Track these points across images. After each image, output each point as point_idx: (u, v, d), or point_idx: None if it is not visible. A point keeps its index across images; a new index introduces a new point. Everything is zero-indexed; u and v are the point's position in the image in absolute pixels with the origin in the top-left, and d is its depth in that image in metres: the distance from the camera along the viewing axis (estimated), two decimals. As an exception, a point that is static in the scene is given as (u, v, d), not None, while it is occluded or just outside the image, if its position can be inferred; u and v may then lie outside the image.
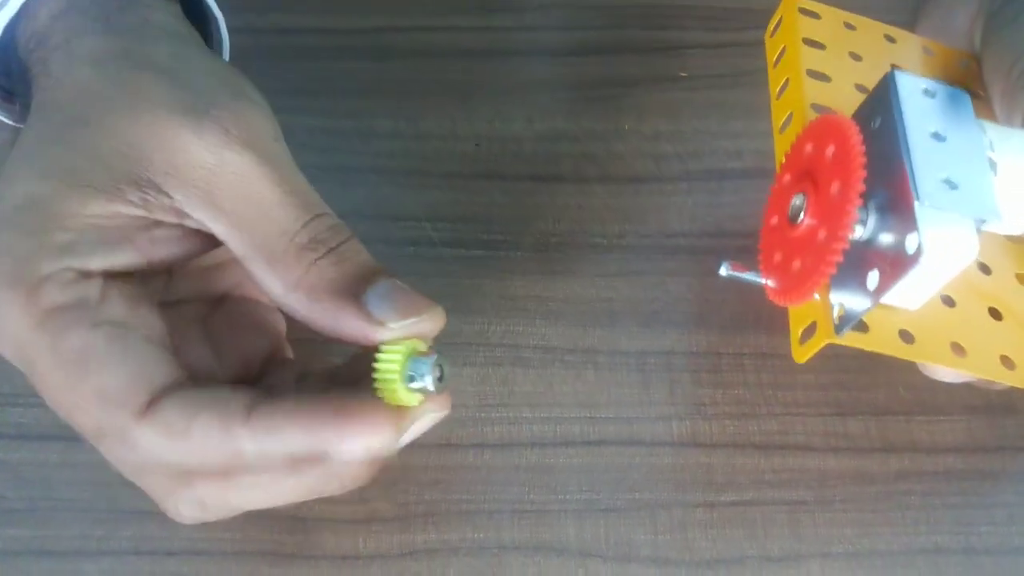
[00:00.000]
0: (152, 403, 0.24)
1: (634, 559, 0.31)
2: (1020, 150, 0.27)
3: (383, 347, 0.24)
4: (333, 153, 0.38)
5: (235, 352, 0.28)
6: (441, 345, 0.27)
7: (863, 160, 0.24)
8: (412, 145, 0.39)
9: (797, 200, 0.27)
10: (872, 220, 0.25)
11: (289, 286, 0.25)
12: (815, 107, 0.29)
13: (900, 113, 0.25)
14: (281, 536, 0.31)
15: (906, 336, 0.26)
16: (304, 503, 0.31)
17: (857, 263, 0.25)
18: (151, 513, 0.30)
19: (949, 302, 0.27)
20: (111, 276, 0.25)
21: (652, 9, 0.43)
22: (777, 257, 0.28)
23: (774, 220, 0.28)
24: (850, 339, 0.25)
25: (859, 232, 0.25)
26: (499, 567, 0.30)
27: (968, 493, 0.32)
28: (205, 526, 0.30)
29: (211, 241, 0.26)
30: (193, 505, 0.25)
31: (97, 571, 0.30)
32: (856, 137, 0.24)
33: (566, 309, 0.35)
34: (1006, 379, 0.27)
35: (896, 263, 0.24)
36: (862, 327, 0.26)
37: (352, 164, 0.38)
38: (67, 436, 0.32)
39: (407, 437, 0.25)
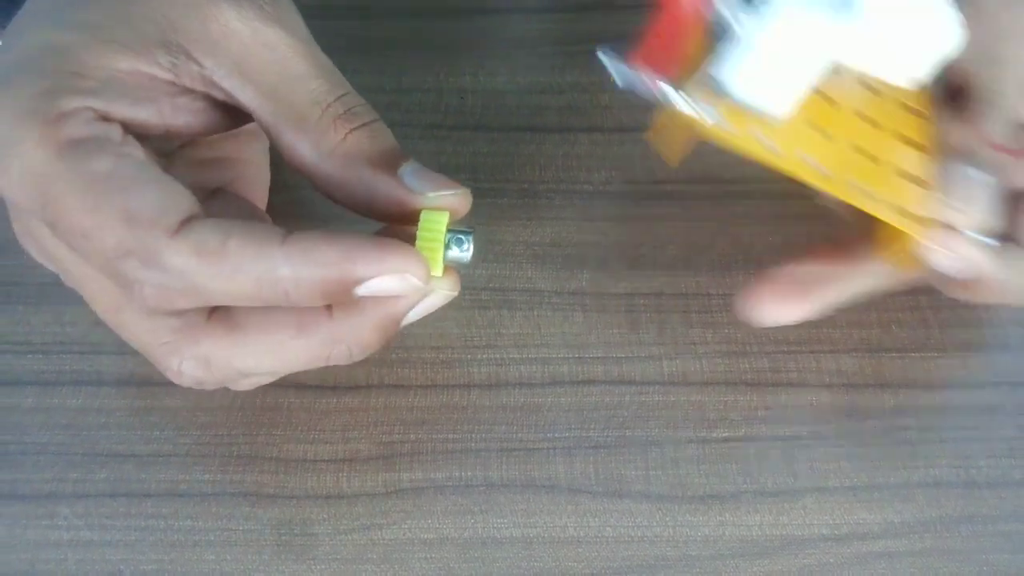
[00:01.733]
0: (184, 223, 0.23)
1: (625, 495, 0.30)
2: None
3: (425, 214, 0.24)
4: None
5: None
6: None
7: None
8: (396, 99, 0.38)
9: None
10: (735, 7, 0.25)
11: (324, 153, 0.25)
12: None
13: None
14: (261, 476, 0.30)
15: (772, 146, 0.26)
16: (283, 442, 0.30)
17: (722, 52, 0.26)
18: (127, 455, 0.30)
19: (825, 135, 0.27)
20: (129, 129, 0.24)
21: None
22: (650, 43, 0.27)
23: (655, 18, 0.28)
24: (719, 136, 0.25)
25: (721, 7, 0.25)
26: (487, 504, 0.30)
27: (966, 427, 0.31)
28: (184, 465, 0.30)
29: (230, 119, 0.26)
30: (197, 363, 0.25)
31: (72, 514, 0.29)
32: None
33: (553, 253, 0.35)
34: (858, 202, 0.27)
35: (746, 40, 0.25)
36: (728, 126, 0.26)
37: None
38: (40, 381, 0.31)
39: (419, 310, 0.25)
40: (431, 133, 0.37)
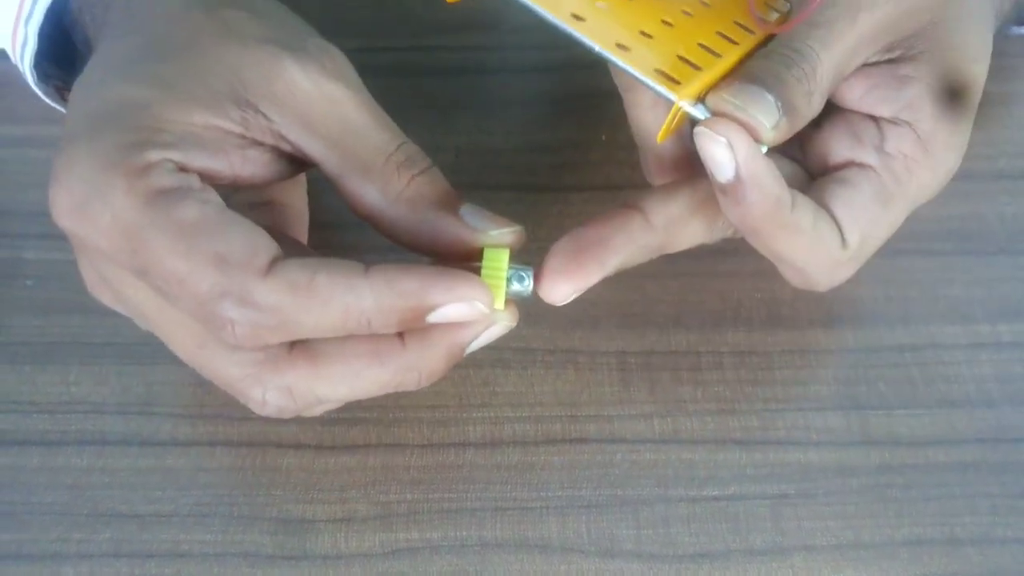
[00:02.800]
0: (272, 263, 0.24)
1: (617, 555, 0.30)
2: None
3: (488, 251, 0.26)
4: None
5: None
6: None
7: None
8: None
9: None
10: None
11: (390, 199, 0.27)
12: None
13: None
14: (261, 537, 0.30)
15: None
16: (283, 502, 0.31)
17: None
18: (130, 516, 0.31)
19: (603, 6, 0.28)
20: (203, 179, 0.26)
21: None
22: None
23: None
24: None
25: None
26: (482, 565, 0.30)
27: (950, 484, 0.32)
28: (185, 526, 0.30)
29: (292, 168, 0.28)
30: (280, 393, 0.26)
31: (75, 574, 0.30)
32: None
33: (546, 311, 0.35)
34: (615, 53, 0.27)
35: None
36: None
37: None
38: (46, 441, 0.32)
39: (482, 339, 0.27)
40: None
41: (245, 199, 0.30)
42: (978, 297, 0.36)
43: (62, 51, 0.33)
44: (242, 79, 0.26)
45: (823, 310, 0.36)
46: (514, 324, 0.27)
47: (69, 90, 0.36)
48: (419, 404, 0.33)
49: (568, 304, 0.36)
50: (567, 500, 0.31)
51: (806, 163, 0.32)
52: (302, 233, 0.32)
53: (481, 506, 0.31)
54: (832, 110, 0.31)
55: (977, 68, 0.30)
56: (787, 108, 0.27)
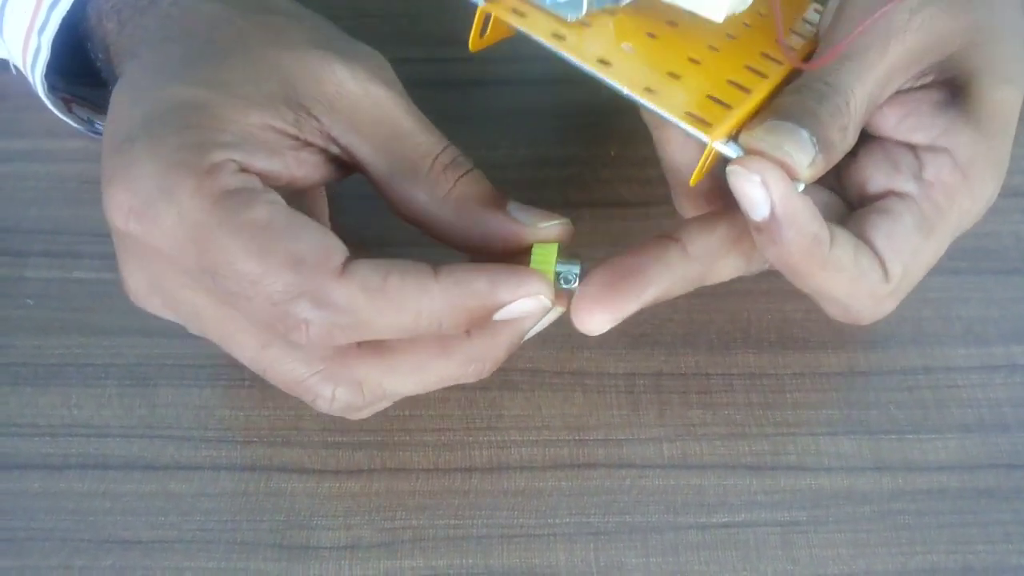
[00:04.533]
0: (345, 264, 0.24)
1: (625, 583, 0.30)
2: None
3: (537, 246, 0.27)
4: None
5: None
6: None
7: None
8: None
9: None
10: None
11: (438, 200, 0.27)
12: None
13: None
14: (265, 564, 0.30)
15: (559, 36, 0.27)
16: (287, 528, 0.30)
17: None
18: (133, 542, 0.30)
19: (629, 48, 0.28)
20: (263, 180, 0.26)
21: None
22: None
23: None
24: (510, 17, 0.27)
25: None
26: (488, 593, 0.30)
27: (963, 511, 0.32)
28: (188, 552, 0.30)
29: (340, 171, 0.28)
30: (350, 388, 0.26)
31: (76, 602, 0.29)
32: None
33: (554, 332, 0.34)
34: (643, 95, 0.27)
35: None
36: (523, 13, 0.27)
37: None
38: (47, 465, 0.32)
39: (538, 327, 0.28)
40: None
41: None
42: (992, 317, 0.36)
43: (69, 63, 0.33)
44: (293, 82, 0.26)
45: (834, 331, 0.35)
46: (563, 310, 0.28)
47: (76, 102, 0.35)
48: (425, 427, 0.33)
49: (575, 325, 0.35)
50: (575, 527, 0.31)
51: (843, 193, 0.31)
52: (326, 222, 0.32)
53: (487, 533, 0.31)
54: (867, 138, 0.30)
55: (1013, 90, 0.30)
56: (822, 144, 0.26)
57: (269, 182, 0.26)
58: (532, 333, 0.28)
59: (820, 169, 0.27)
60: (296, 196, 0.31)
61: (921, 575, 0.30)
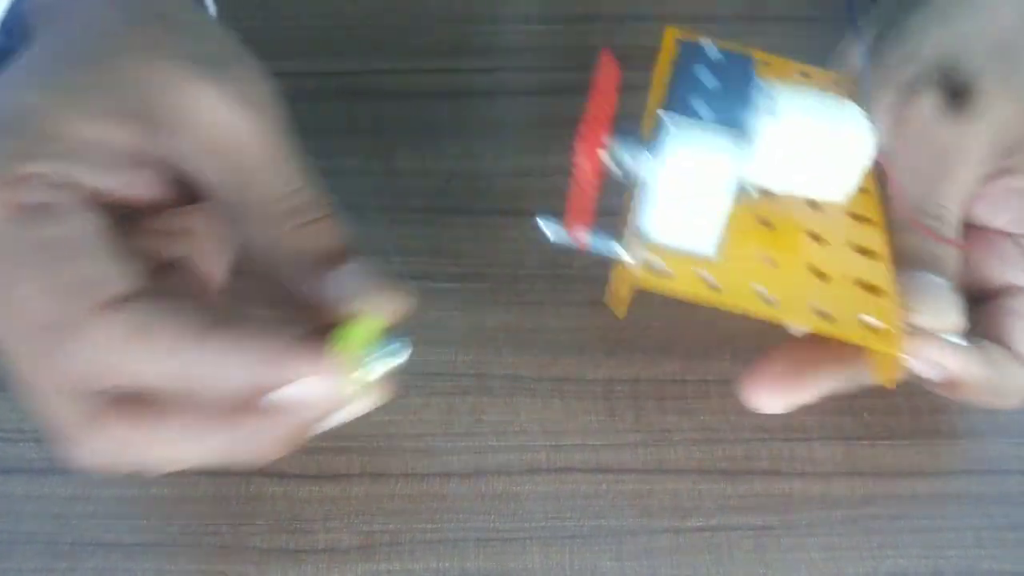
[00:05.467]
0: (118, 300, 0.23)
1: (600, 586, 0.30)
2: (804, 103, 0.29)
3: (348, 322, 0.25)
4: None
5: None
6: (407, 374, 0.27)
7: (609, 85, 0.25)
8: (384, 181, 0.40)
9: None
10: (648, 158, 0.26)
11: (270, 244, 0.26)
12: None
13: (679, 71, 0.28)
14: (245, 567, 0.30)
15: (713, 284, 0.27)
16: (266, 532, 0.31)
17: (644, 203, 0.27)
18: (114, 544, 0.31)
19: (770, 263, 0.28)
20: (91, 197, 0.25)
21: (618, 51, 0.44)
22: (575, 209, 0.28)
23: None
24: (654, 282, 0.27)
25: (632, 166, 0.27)
26: (464, 596, 0.30)
27: (935, 516, 0.32)
28: (170, 555, 0.30)
29: (188, 196, 0.27)
30: (108, 444, 0.24)
31: (58, 604, 0.30)
32: (607, 62, 0.26)
33: (534, 339, 0.36)
34: (817, 326, 0.27)
35: (657, 185, 0.26)
36: (666, 273, 0.27)
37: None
38: (31, 469, 0.32)
39: (337, 417, 0.25)
40: (417, 216, 0.38)
41: (159, 225, 0.28)
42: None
43: None
44: (149, 96, 0.25)
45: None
46: (376, 404, 0.26)
47: None
48: (404, 432, 0.33)
49: (554, 331, 0.36)
50: (550, 531, 0.31)
51: (962, 286, 0.32)
52: (220, 267, 0.30)
53: (464, 536, 0.31)
54: (968, 230, 0.32)
55: None
56: (955, 279, 0.29)
57: (100, 198, 0.25)
58: (330, 424, 0.25)
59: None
60: (190, 237, 0.28)
61: (892, 579, 0.31)
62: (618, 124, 0.26)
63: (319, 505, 0.32)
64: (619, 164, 0.27)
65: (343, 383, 0.24)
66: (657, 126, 0.28)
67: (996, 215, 0.32)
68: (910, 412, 0.34)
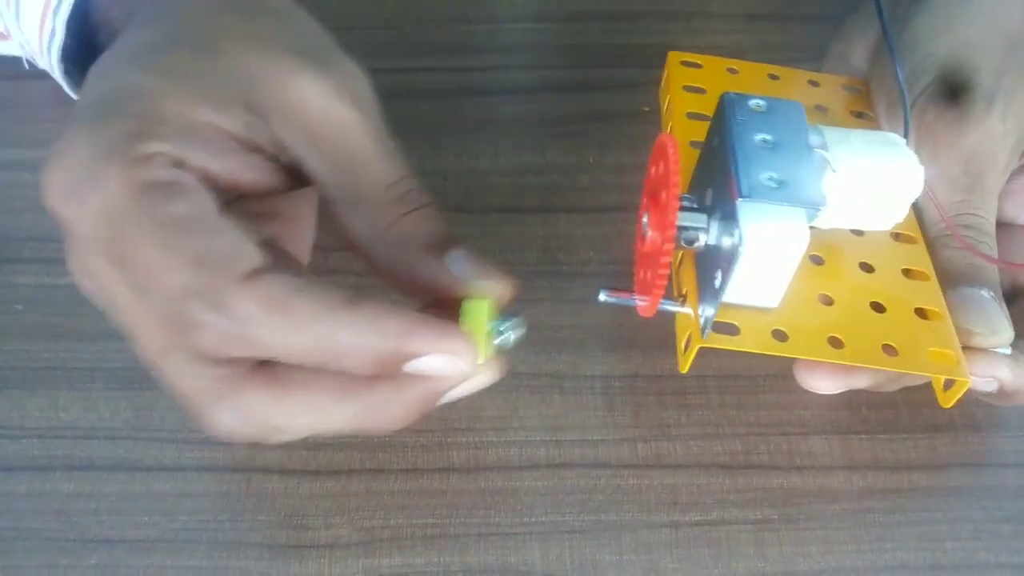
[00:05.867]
0: (255, 272, 0.23)
1: (599, 580, 0.31)
2: (856, 149, 0.29)
3: (468, 300, 0.26)
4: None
5: None
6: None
7: (677, 166, 0.25)
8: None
9: (645, 218, 0.28)
10: (715, 227, 0.27)
11: (378, 230, 0.26)
12: (693, 144, 0.32)
13: (731, 128, 0.28)
14: (246, 563, 0.31)
15: (779, 335, 0.27)
16: (268, 527, 0.31)
17: (711, 271, 0.27)
18: (117, 541, 0.31)
19: (827, 301, 0.29)
20: (204, 179, 0.25)
21: (614, 49, 0.45)
22: (640, 275, 0.29)
23: (639, 243, 0.30)
24: (723, 342, 0.27)
25: (702, 239, 0.27)
26: (464, 590, 0.30)
27: (933, 509, 0.32)
28: (172, 551, 0.31)
29: (293, 181, 0.27)
30: (235, 414, 0.25)
31: (61, 600, 0.30)
32: (672, 148, 0.26)
33: (532, 335, 0.35)
34: (887, 365, 0.28)
35: (728, 260, 0.26)
36: (733, 330, 0.27)
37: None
38: (34, 467, 0.32)
39: (459, 391, 0.26)
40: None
41: (250, 207, 0.29)
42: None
43: (84, 54, 0.34)
44: (256, 85, 0.26)
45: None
46: (496, 379, 0.27)
47: None
48: (403, 429, 0.33)
49: (553, 327, 0.36)
50: (550, 525, 0.32)
51: None
52: (305, 250, 0.32)
53: (464, 531, 0.31)
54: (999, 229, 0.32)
55: None
56: (998, 287, 0.30)
57: (208, 182, 0.25)
58: (454, 397, 0.26)
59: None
60: (278, 220, 0.30)
61: (890, 572, 0.31)
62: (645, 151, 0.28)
63: (320, 501, 0.32)
64: (688, 239, 0.27)
65: (473, 358, 0.25)
66: (702, 180, 0.29)
67: (1021, 212, 0.32)
68: (907, 406, 0.34)
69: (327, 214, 0.27)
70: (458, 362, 0.24)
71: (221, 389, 0.24)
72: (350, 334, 0.23)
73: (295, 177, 0.27)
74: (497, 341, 0.26)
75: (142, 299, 0.24)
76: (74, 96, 0.36)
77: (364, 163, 0.27)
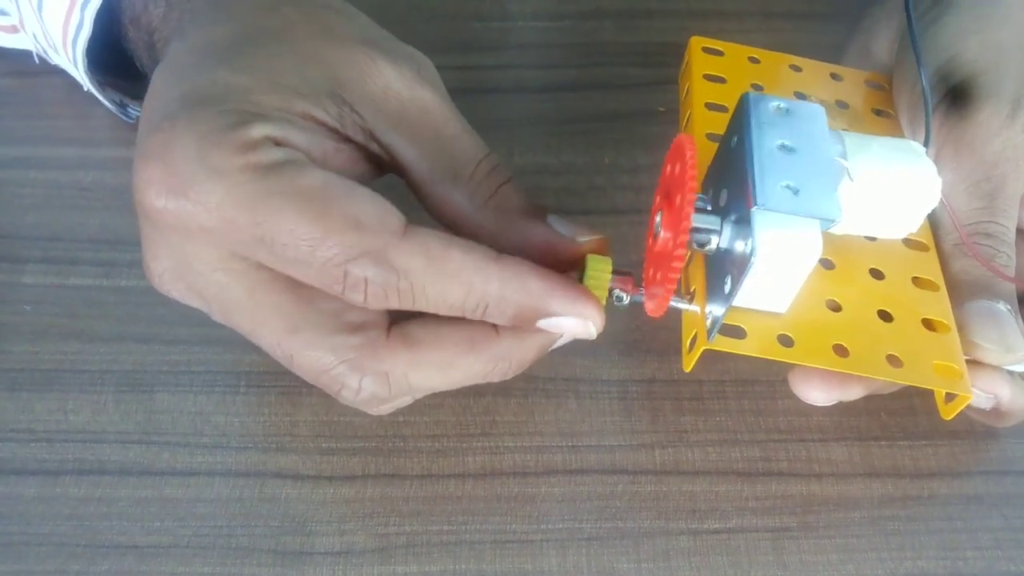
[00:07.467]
0: (408, 228, 0.24)
1: (617, 588, 0.30)
2: (875, 157, 0.28)
3: (592, 259, 0.27)
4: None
5: None
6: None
7: (694, 171, 0.25)
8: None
9: (658, 217, 0.28)
10: (728, 231, 0.27)
11: (478, 204, 0.27)
12: (710, 136, 0.31)
13: (750, 129, 0.27)
14: (259, 570, 0.30)
15: (785, 340, 0.27)
16: (281, 533, 0.31)
17: (721, 273, 0.27)
18: (128, 547, 0.31)
19: (835, 307, 0.28)
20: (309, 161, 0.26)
21: (629, 47, 0.44)
22: (649, 272, 0.29)
23: (650, 240, 0.29)
24: (729, 345, 0.27)
25: (715, 242, 0.27)
26: (480, 598, 0.30)
27: (953, 518, 0.32)
28: (184, 557, 0.30)
29: (375, 170, 0.28)
30: (377, 379, 0.26)
31: (72, 607, 0.30)
32: (691, 150, 0.25)
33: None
34: (891, 376, 0.27)
35: (740, 266, 0.26)
36: (739, 333, 0.27)
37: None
38: (44, 471, 0.32)
39: (565, 339, 0.28)
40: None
41: None
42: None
43: (104, 54, 0.34)
44: (338, 76, 0.26)
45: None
46: (600, 330, 0.28)
47: (110, 85, 0.37)
48: (419, 434, 0.33)
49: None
50: (567, 532, 0.31)
51: None
52: None
53: (480, 539, 0.31)
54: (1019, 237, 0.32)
55: None
56: (1014, 301, 0.29)
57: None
58: (559, 344, 0.28)
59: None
60: None
61: (911, 581, 0.31)
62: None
63: (334, 506, 0.31)
64: (700, 242, 0.27)
65: (602, 321, 0.27)
66: (717, 179, 0.28)
67: None
68: (927, 413, 0.34)
69: (418, 195, 0.28)
70: (588, 324, 0.26)
71: (361, 357, 0.26)
72: (498, 287, 0.25)
73: (380, 166, 0.28)
74: (615, 299, 0.27)
75: (294, 273, 0.24)
76: (94, 91, 0.36)
77: (453, 142, 0.28)
